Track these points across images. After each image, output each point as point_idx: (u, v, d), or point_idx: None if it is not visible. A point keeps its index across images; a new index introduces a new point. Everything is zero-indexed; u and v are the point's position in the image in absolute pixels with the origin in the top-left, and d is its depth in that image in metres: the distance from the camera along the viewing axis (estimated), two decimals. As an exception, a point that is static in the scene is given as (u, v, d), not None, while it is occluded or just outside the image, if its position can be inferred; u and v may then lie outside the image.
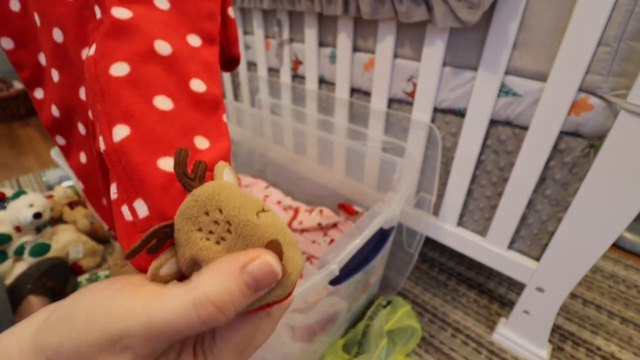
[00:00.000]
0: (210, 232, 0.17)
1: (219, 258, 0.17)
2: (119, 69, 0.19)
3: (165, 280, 0.18)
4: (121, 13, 0.20)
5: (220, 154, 0.21)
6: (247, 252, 0.16)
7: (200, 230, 0.17)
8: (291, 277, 0.17)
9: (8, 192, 1.00)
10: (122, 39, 0.20)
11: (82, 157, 0.27)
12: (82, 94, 0.24)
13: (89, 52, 0.20)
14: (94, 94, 0.19)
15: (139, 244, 0.17)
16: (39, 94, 0.27)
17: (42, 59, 0.26)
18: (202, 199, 0.17)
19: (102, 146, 0.19)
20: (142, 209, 0.19)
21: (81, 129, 0.26)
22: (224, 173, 0.20)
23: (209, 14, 0.24)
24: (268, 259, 0.16)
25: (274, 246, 0.17)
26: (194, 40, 0.23)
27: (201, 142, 0.21)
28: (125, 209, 0.19)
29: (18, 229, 0.86)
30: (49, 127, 0.27)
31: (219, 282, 0.15)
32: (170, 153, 0.19)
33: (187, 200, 0.18)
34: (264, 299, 0.17)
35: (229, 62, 0.32)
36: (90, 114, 0.22)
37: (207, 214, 0.17)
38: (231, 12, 0.28)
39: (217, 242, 0.17)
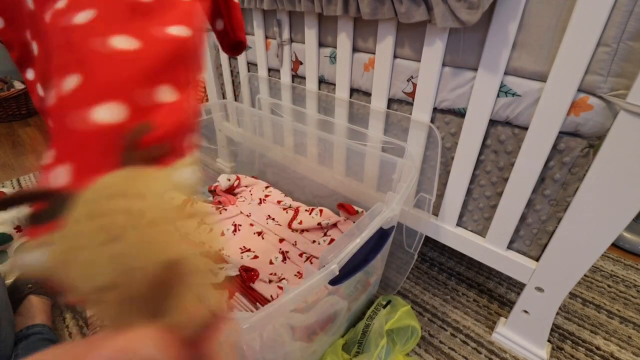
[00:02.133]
0: (110, 225, 0.11)
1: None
2: (84, 16, 0.17)
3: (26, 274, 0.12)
4: None
5: (181, 117, 0.18)
6: None
7: (98, 216, 0.12)
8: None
9: (9, 191, 1.01)
10: None
11: None
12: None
13: (55, 6, 0.18)
14: (58, 47, 0.17)
15: (8, 198, 0.12)
16: (29, 74, 0.26)
17: (28, 35, 0.25)
18: (126, 177, 0.12)
19: (50, 102, 0.16)
20: (62, 176, 0.15)
21: None
22: (184, 169, 0.15)
23: None
24: None
25: (170, 268, 0.11)
26: None
27: (165, 94, 0.17)
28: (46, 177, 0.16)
29: (19, 228, 0.86)
30: (40, 110, 0.26)
31: None
32: (114, 97, 0.16)
33: (107, 176, 0.13)
34: None
35: (235, 46, 0.32)
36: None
37: (123, 196, 0.12)
38: None
39: (103, 244, 0.12)
